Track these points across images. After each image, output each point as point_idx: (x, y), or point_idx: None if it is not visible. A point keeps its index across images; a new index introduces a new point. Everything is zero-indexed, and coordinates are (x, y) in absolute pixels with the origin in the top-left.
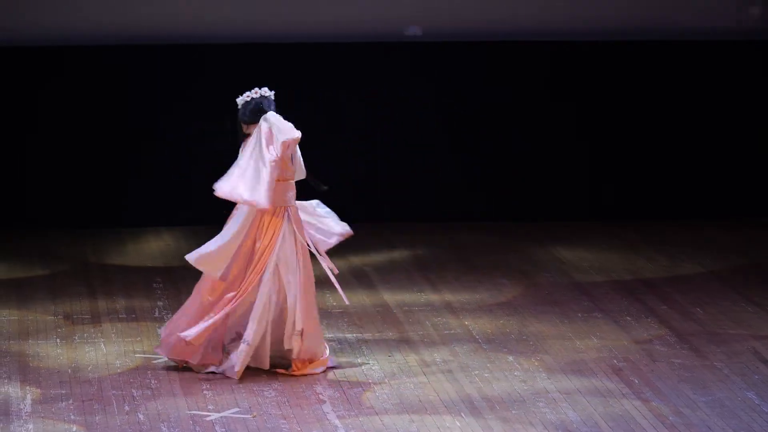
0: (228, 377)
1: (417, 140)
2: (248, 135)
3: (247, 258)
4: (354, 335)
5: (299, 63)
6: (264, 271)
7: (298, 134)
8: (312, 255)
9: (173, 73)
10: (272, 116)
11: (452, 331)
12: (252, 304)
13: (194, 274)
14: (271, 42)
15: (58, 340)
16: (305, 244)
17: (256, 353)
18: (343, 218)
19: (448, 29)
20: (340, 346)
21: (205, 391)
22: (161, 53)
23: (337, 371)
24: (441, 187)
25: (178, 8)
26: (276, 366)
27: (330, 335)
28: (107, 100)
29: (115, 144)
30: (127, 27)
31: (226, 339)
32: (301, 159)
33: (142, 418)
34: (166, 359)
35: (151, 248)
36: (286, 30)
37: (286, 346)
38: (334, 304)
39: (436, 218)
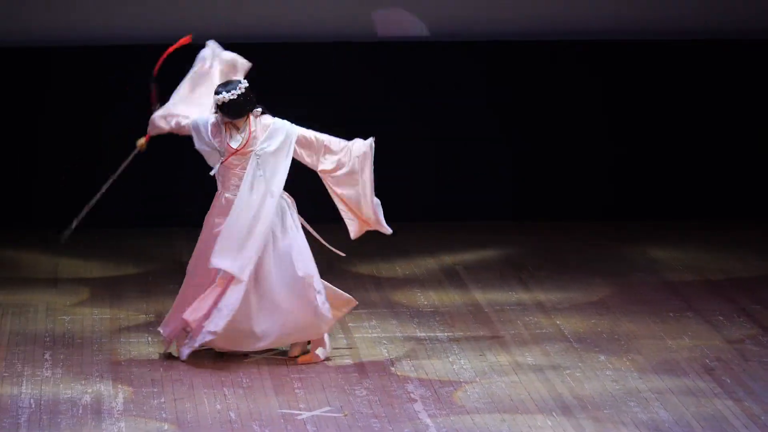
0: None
1: (508, 138)
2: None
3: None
4: (445, 334)
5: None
6: None
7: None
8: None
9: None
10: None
11: (544, 330)
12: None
13: None
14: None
15: (149, 339)
16: None
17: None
18: (433, 216)
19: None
20: (432, 344)
21: (296, 390)
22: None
23: (428, 370)
24: (531, 186)
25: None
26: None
27: (421, 334)
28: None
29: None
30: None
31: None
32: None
33: (233, 417)
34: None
35: None
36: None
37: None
38: (426, 303)
39: (526, 217)
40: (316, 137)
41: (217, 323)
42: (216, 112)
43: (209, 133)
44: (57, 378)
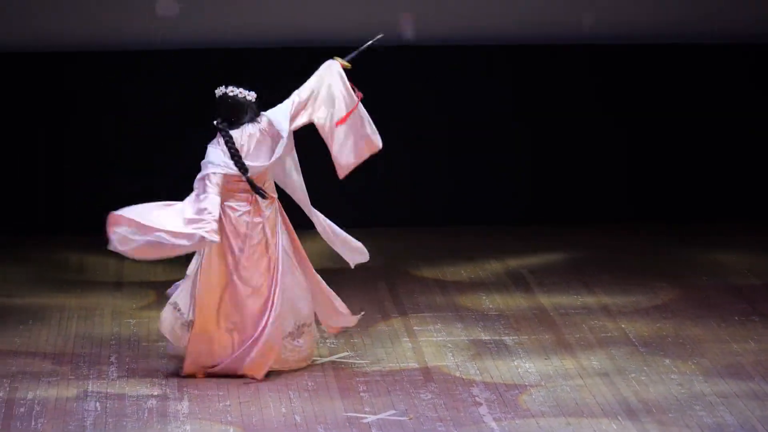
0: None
1: (574, 141)
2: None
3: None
4: (511, 338)
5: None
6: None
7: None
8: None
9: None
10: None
11: (609, 334)
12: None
13: (351, 277)
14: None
15: None
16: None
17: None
18: (498, 220)
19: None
20: (497, 348)
21: (361, 393)
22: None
23: (493, 373)
24: (597, 188)
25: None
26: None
27: (486, 337)
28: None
29: None
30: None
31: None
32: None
33: (299, 420)
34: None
35: (308, 250)
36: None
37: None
38: (491, 306)
39: (592, 220)
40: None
41: None
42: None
43: None
44: (122, 381)
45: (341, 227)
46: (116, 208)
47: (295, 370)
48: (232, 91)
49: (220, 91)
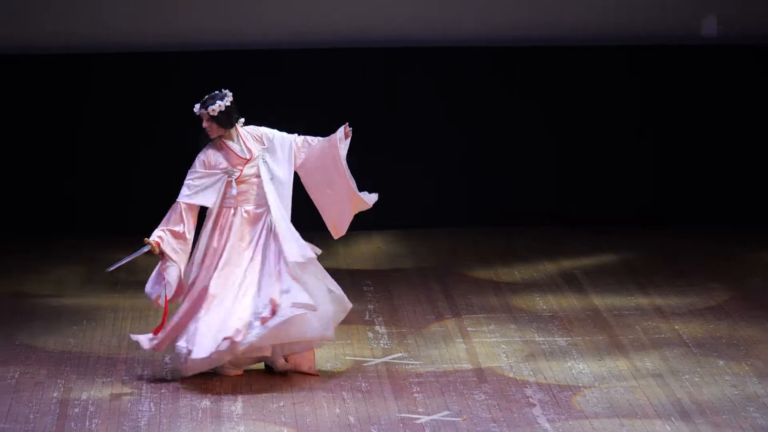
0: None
1: (617, 143)
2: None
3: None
4: (564, 339)
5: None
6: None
7: None
8: None
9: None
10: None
11: (662, 336)
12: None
13: (405, 277)
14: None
15: None
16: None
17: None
18: (552, 221)
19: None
20: (550, 349)
21: (415, 394)
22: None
23: (547, 374)
24: (650, 190)
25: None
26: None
27: (540, 338)
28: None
29: None
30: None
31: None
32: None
33: (352, 421)
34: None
35: (361, 251)
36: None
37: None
38: (545, 307)
39: (644, 222)
40: (306, 138)
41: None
42: (207, 129)
43: (211, 162)
44: (176, 382)
45: (398, 228)
46: (165, 211)
47: (350, 371)
48: (224, 97)
49: (222, 105)
